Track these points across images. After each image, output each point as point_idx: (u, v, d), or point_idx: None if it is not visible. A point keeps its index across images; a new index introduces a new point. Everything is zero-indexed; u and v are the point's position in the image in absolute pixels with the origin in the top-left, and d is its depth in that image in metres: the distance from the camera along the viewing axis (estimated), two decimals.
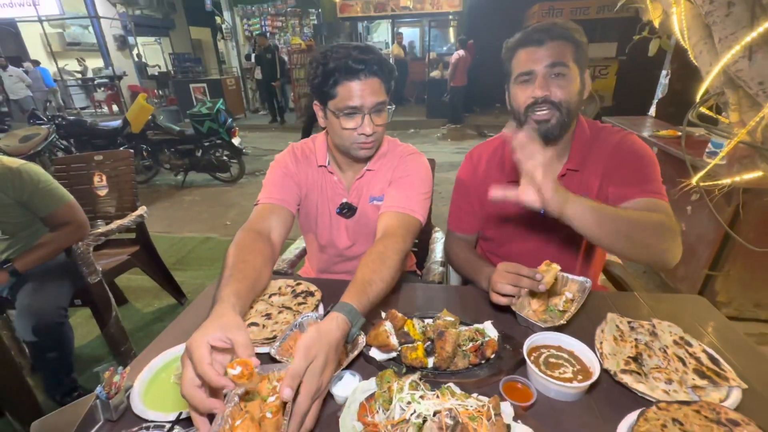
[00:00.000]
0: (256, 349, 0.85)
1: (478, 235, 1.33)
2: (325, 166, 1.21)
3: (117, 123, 4.84)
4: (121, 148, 4.47)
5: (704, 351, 0.79)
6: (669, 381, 0.74)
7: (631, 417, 0.67)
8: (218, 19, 11.08)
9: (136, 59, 10.65)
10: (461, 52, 7.61)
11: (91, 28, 10.44)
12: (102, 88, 11.47)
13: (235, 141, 4.96)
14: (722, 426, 0.63)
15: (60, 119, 4.84)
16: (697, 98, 1.47)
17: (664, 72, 3.50)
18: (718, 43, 1.30)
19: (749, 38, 1.15)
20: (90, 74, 12.17)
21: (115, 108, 10.96)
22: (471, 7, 9.35)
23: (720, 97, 1.44)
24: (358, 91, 1.01)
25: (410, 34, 11.67)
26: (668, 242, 0.91)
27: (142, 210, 2.13)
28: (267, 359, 0.83)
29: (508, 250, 1.24)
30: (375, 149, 1.14)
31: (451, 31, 10.52)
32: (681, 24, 1.49)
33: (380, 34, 12.47)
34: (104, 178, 2.20)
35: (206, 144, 4.94)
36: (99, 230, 1.83)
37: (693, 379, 0.73)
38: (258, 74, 8.86)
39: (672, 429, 0.63)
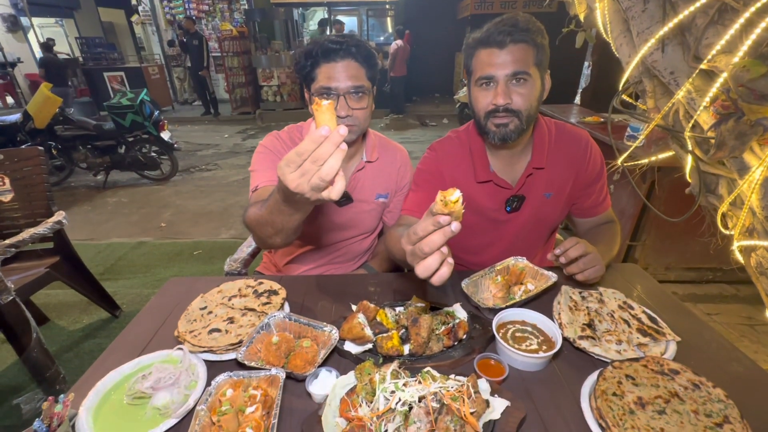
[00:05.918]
0: (220, 357, 0.80)
1: None
2: None
3: (15, 117, 4.17)
4: (23, 146, 3.86)
5: (644, 312, 0.89)
6: (619, 342, 0.82)
7: (591, 378, 0.74)
8: (133, 0, 9.96)
9: (43, 41, 9.14)
10: (399, 42, 7.65)
11: None
12: None
13: (165, 135, 4.53)
14: (665, 376, 0.72)
15: None
16: (620, 87, 1.64)
17: (586, 63, 3.83)
18: (636, 36, 1.45)
19: (662, 32, 1.30)
20: None
21: (10, 100, 9.44)
22: None
23: (638, 85, 1.62)
24: (333, 72, 1.02)
25: (348, 22, 11.45)
26: (619, 239, 1.19)
27: (59, 215, 1.86)
28: (234, 366, 0.78)
29: (464, 243, 1.28)
30: (356, 134, 1.11)
31: (389, 21, 10.50)
32: (604, 18, 1.64)
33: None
34: (7, 181, 1.89)
35: (130, 139, 4.46)
36: (7, 241, 1.57)
37: (637, 337, 0.82)
38: (188, 62, 8.15)
39: (626, 384, 0.70)
